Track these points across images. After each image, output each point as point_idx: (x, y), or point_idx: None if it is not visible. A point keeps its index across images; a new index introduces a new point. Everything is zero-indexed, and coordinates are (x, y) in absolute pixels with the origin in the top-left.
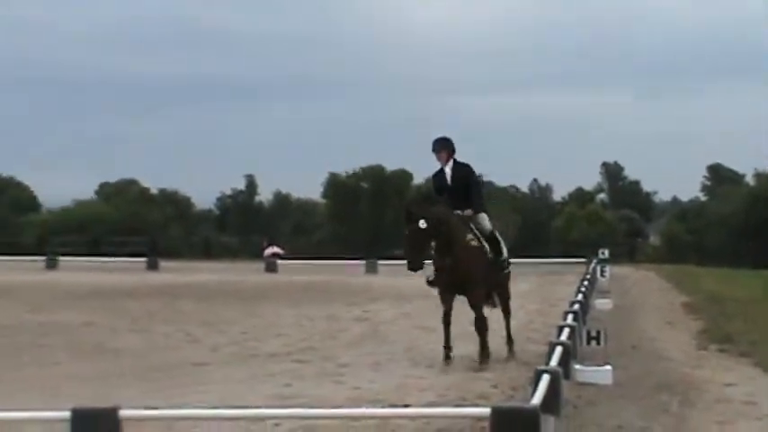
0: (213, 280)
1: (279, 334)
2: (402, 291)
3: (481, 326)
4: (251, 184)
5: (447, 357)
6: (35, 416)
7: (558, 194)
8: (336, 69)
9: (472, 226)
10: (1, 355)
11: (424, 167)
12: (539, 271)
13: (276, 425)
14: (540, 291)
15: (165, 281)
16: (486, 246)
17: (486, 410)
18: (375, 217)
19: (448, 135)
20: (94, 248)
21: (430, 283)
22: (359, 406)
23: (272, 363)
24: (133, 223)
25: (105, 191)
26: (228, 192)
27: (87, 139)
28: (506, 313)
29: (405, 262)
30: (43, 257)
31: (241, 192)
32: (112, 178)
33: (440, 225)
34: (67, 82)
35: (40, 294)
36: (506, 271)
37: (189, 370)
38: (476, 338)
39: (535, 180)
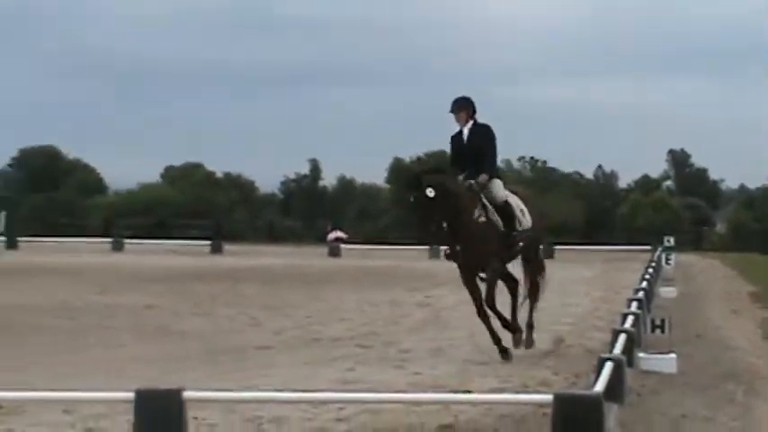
0: (277, 264)
1: (342, 318)
2: None
3: (491, 302)
4: (315, 169)
5: (503, 352)
6: (100, 396)
7: (624, 181)
8: (401, 55)
9: (483, 199)
10: (68, 337)
11: None
12: (603, 258)
13: (339, 409)
14: (604, 278)
15: (229, 264)
16: (497, 219)
17: (549, 397)
18: None
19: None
20: (160, 231)
21: (447, 256)
22: (421, 391)
23: (334, 347)
24: (198, 207)
25: (170, 174)
26: (292, 176)
27: (154, 122)
28: (532, 293)
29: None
30: (109, 240)
31: (305, 176)
32: (177, 162)
33: (448, 197)
34: (135, 66)
35: (106, 276)
36: (519, 245)
37: (252, 353)
38: (536, 324)
39: (600, 167)
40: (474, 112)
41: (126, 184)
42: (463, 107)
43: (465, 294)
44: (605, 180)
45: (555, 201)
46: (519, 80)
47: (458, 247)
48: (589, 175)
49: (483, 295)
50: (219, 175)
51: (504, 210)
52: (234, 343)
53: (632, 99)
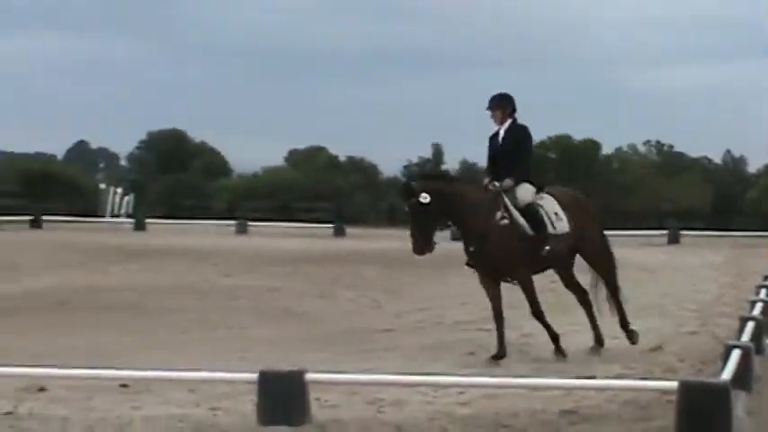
0: (398, 247)
1: (463, 303)
2: None
3: (538, 311)
4: (438, 153)
5: (496, 357)
6: (225, 377)
7: (753, 166)
8: (522, 41)
9: (506, 201)
10: (195, 318)
11: (612, 137)
12: (732, 243)
13: (460, 393)
14: (733, 263)
15: (351, 247)
16: (522, 222)
17: (674, 384)
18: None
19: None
20: (283, 214)
21: (467, 264)
22: (543, 377)
23: (456, 331)
24: (320, 190)
25: (294, 158)
26: (415, 160)
27: (277, 106)
28: (613, 294)
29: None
30: (234, 222)
31: (428, 160)
32: (301, 145)
33: (447, 200)
34: (257, 50)
35: (231, 259)
36: (546, 249)
37: (373, 336)
38: (661, 310)
39: (728, 151)
40: (513, 111)
41: (250, 167)
42: (500, 105)
43: (588, 280)
44: (734, 165)
45: (682, 185)
46: (645, 63)
47: (471, 249)
48: (717, 159)
49: (499, 299)
50: (342, 158)
51: (527, 213)
52: (355, 325)
53: (762, 82)
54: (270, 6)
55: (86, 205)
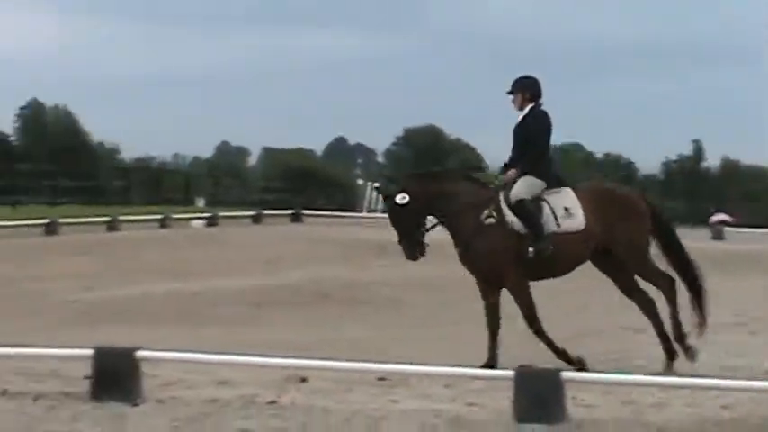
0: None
1: (720, 305)
2: None
3: (536, 326)
4: (698, 150)
5: (488, 367)
6: (481, 373)
7: None
8: None
9: (501, 197)
10: (440, 311)
11: None
12: None
13: (716, 396)
14: None
15: None
16: (512, 219)
17: None
18: None
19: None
20: None
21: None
22: None
23: (717, 332)
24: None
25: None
26: (674, 157)
27: None
28: (670, 299)
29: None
30: None
31: (688, 157)
32: (556, 142)
33: (430, 200)
34: (511, 45)
35: None
36: (537, 248)
37: (624, 335)
38: None
39: None
40: (534, 95)
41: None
42: (521, 88)
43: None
44: None
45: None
46: None
47: (458, 252)
48: None
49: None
50: (599, 155)
51: (518, 209)
52: (600, 325)
53: None
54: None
55: (344, 200)
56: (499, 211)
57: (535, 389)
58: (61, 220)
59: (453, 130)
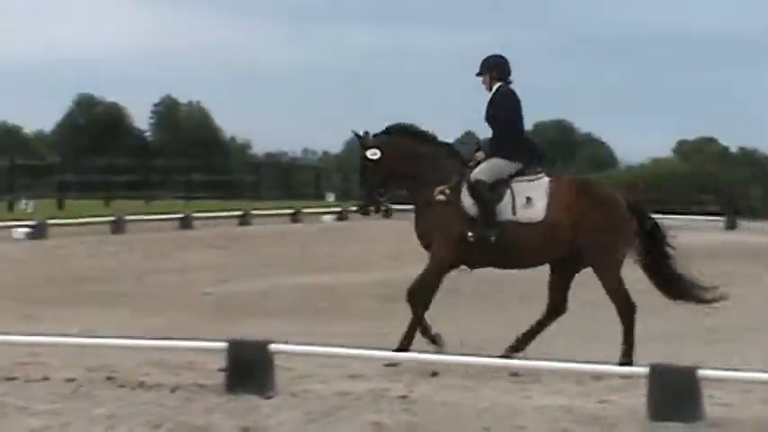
0: None
1: None
2: None
3: (413, 300)
4: None
5: (433, 342)
6: (614, 370)
7: None
8: None
9: (464, 176)
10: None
11: None
12: None
13: None
14: None
15: (742, 241)
16: (466, 201)
17: None
18: None
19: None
20: (669, 206)
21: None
22: None
23: None
24: (708, 182)
25: (683, 149)
26: None
27: (665, 95)
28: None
29: None
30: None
31: None
32: (690, 136)
33: (402, 161)
34: (645, 38)
35: None
36: (477, 234)
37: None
38: None
39: None
40: (501, 75)
41: (637, 158)
42: (487, 68)
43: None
44: None
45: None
46: None
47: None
48: None
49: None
50: (734, 149)
51: (472, 192)
52: (725, 322)
53: None
54: None
55: None
56: (457, 190)
57: (670, 386)
58: (195, 215)
59: (583, 124)
